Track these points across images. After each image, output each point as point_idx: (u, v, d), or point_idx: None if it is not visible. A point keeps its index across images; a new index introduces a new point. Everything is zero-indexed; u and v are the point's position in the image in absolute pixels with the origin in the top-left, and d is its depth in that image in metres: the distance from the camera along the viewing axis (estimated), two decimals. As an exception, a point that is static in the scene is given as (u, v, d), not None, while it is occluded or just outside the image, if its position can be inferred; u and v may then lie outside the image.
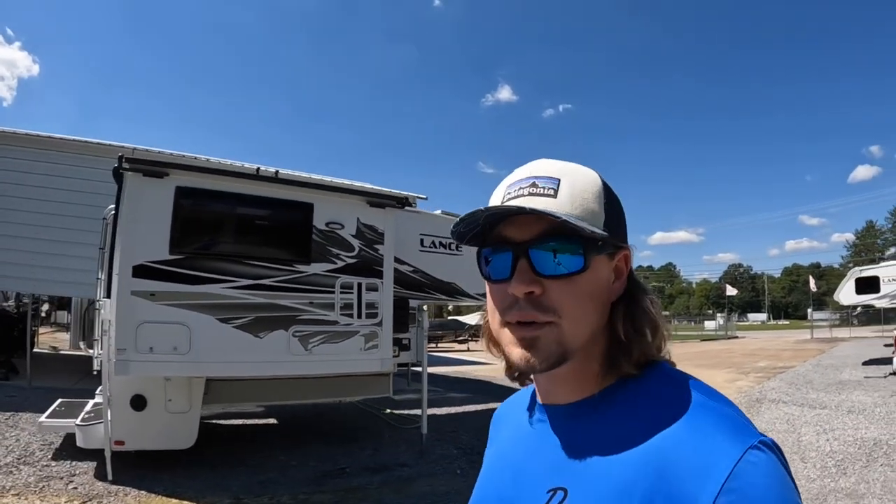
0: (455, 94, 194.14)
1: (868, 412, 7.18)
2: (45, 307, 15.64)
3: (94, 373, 6.24)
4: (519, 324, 0.58)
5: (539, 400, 0.67)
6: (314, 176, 6.59)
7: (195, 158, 7.86)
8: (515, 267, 0.57)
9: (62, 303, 16.96)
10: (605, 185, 0.61)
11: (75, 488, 4.46)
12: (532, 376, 0.66)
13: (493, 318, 0.62)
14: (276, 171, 4.86)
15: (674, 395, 0.57)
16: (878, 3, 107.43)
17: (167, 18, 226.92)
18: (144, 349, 4.12)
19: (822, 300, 40.71)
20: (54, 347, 12.50)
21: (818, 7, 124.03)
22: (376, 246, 4.62)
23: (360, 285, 4.47)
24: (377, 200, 4.73)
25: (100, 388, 5.98)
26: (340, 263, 4.50)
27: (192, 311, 4.17)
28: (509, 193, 0.60)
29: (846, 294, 12.95)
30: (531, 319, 0.57)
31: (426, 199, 5.25)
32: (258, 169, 4.72)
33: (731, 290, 39.95)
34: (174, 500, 4.31)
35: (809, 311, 44.77)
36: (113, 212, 4.95)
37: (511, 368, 0.63)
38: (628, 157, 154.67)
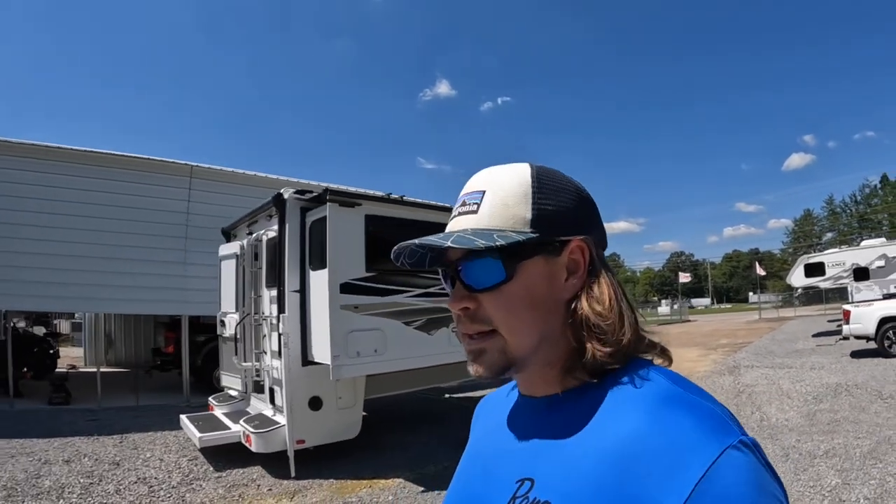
0: (393, 90, 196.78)
1: (826, 368, 9.96)
2: (22, 323, 15.52)
3: (226, 391, 7.17)
4: (467, 336, 0.64)
5: (520, 391, 0.72)
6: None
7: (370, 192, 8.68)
8: (454, 286, 0.65)
9: (37, 318, 16.86)
10: (537, 181, 0.64)
11: (270, 489, 4.94)
12: None
13: None
14: (402, 196, 6.58)
15: (646, 387, 0.58)
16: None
17: (93, 13, 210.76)
18: (353, 354, 5.13)
19: (763, 283, 45.92)
20: (72, 366, 13.09)
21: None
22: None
23: (492, 289, 6.25)
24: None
25: (212, 398, 7.07)
26: (481, 272, 6.21)
27: (385, 318, 5.38)
28: (453, 214, 0.67)
29: (797, 277, 16.27)
30: (471, 332, 0.63)
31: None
32: (397, 198, 6.38)
33: (684, 278, 44.49)
34: (364, 482, 5.01)
35: (751, 294, 50.34)
36: (270, 235, 6.08)
37: None
38: (567, 149, 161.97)
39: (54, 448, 6.17)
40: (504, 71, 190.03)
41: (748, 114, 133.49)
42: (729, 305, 68.84)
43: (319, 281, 5.40)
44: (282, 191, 5.75)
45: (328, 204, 5.26)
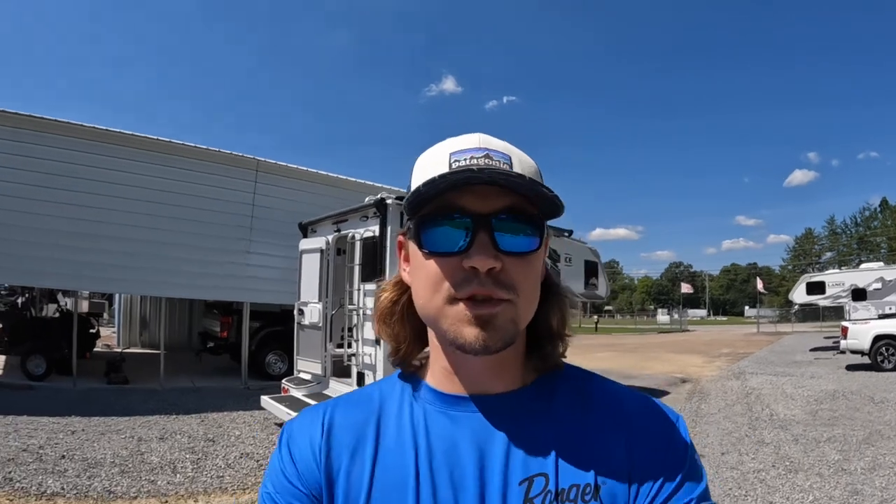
0: (398, 84, 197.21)
1: (825, 377, 11.51)
2: (21, 300, 15.43)
3: (298, 375, 7.64)
4: (473, 301, 0.57)
5: (448, 392, 0.66)
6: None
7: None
8: (474, 239, 0.57)
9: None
10: (539, 169, 0.66)
11: (367, 458, 5.95)
12: (457, 362, 0.64)
13: (436, 293, 0.59)
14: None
15: (605, 383, 0.70)
16: (815, 7, 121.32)
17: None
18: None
19: (761, 298, 47.96)
20: (108, 346, 14.03)
21: (761, 13, 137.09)
22: (557, 264, 7.82)
23: (552, 292, 7.56)
24: (557, 231, 7.86)
25: (286, 381, 7.78)
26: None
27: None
28: (458, 162, 0.59)
29: (799, 294, 17.90)
30: (490, 296, 0.57)
31: (573, 231, 8.34)
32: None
33: (686, 288, 46.36)
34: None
35: (747, 308, 52.20)
36: (367, 234, 6.92)
37: (401, 354, 0.71)
38: (569, 152, 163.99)
39: (140, 426, 6.54)
40: (512, 71, 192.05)
41: (753, 127, 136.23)
42: (724, 318, 70.94)
43: (422, 276, 6.59)
44: (383, 195, 6.87)
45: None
